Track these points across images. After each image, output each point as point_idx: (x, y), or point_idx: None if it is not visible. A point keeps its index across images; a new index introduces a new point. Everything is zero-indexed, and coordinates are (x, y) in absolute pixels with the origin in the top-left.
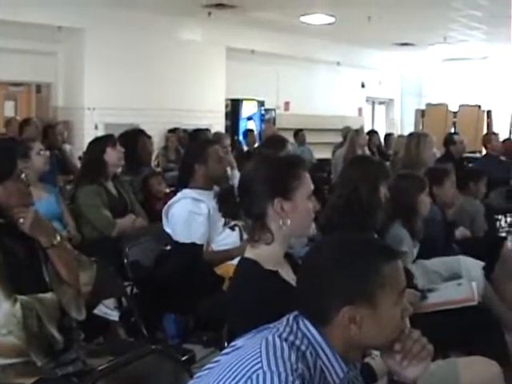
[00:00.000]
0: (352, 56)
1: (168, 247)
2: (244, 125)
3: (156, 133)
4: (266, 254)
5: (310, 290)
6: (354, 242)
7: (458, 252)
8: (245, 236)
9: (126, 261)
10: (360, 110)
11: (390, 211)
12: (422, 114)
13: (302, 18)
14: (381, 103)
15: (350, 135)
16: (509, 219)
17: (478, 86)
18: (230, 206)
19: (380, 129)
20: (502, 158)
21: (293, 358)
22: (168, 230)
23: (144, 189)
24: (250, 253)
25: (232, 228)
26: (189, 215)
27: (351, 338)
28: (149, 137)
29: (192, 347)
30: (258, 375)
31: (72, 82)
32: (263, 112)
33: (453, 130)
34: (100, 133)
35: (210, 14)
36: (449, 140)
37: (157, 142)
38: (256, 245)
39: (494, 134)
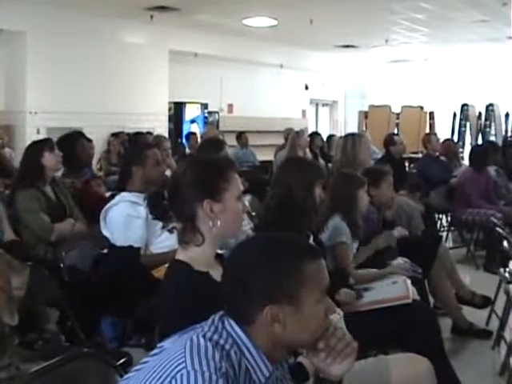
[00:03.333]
0: (295, 58)
1: (105, 251)
2: (187, 127)
3: (99, 136)
4: (197, 256)
5: (233, 289)
6: (276, 242)
7: (396, 250)
8: None
9: (62, 265)
10: (304, 111)
11: (330, 205)
12: (365, 115)
13: (245, 21)
14: (324, 105)
15: (291, 137)
16: (449, 218)
17: (420, 87)
18: (160, 208)
19: (324, 130)
20: (442, 158)
21: (217, 357)
22: (106, 233)
23: (84, 191)
24: (180, 255)
25: (170, 231)
26: (126, 218)
27: (275, 336)
28: (89, 140)
29: (130, 350)
30: (181, 375)
31: (14, 85)
32: (206, 115)
33: (396, 131)
34: (42, 137)
35: (152, 17)
36: (389, 141)
37: (100, 146)
38: (187, 247)
39: (434, 134)
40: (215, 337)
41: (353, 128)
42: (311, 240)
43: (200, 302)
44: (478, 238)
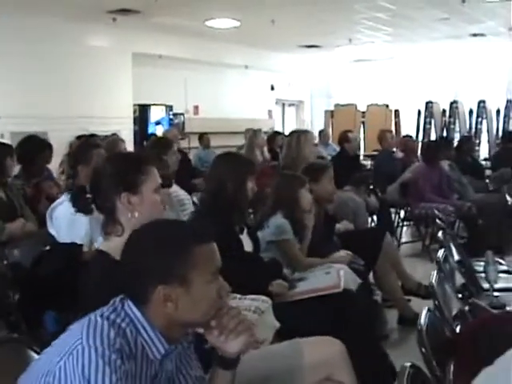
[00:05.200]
0: (260, 59)
1: (47, 248)
2: (153, 129)
3: (64, 140)
4: (118, 246)
5: (128, 272)
6: (168, 227)
7: (338, 244)
8: None
9: (6, 262)
10: (270, 112)
11: (273, 204)
12: (331, 114)
13: (207, 23)
14: (291, 105)
15: (249, 136)
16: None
17: (385, 85)
18: (83, 201)
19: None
20: (400, 154)
21: (112, 334)
22: (52, 231)
23: (35, 193)
24: (102, 245)
25: None
26: (70, 217)
27: (169, 315)
28: (49, 145)
29: None
30: (77, 350)
31: None
32: (172, 116)
33: (362, 130)
34: (6, 142)
35: (114, 19)
36: (343, 138)
37: (64, 150)
38: (108, 237)
39: (389, 131)
40: (112, 316)
41: (319, 127)
42: (245, 233)
43: (114, 288)
44: (433, 232)
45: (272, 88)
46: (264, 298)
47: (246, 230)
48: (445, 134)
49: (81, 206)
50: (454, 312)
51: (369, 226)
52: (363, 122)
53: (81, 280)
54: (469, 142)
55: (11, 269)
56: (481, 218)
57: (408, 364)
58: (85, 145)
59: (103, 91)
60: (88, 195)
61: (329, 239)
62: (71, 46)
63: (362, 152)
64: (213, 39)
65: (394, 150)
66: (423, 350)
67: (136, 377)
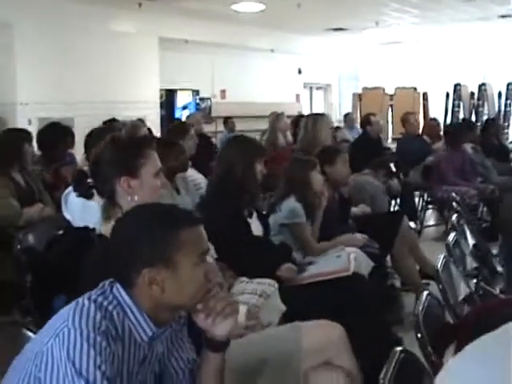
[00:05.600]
0: (286, 43)
1: (60, 232)
2: (179, 114)
3: (90, 126)
4: None
5: (116, 256)
6: (154, 211)
7: (353, 227)
8: None
9: (19, 246)
10: (297, 96)
11: (285, 187)
12: (359, 97)
13: (233, 6)
14: (318, 88)
15: (271, 120)
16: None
17: (413, 68)
18: (84, 186)
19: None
20: (425, 137)
21: (98, 316)
22: (67, 216)
23: (54, 178)
24: (102, 229)
25: None
26: (84, 202)
27: (155, 298)
28: (71, 132)
29: None
30: (63, 332)
31: (3, 77)
32: (198, 101)
33: (390, 113)
34: (33, 128)
35: (140, 4)
36: (365, 121)
37: None
38: (108, 221)
39: (413, 114)
40: (100, 299)
41: (347, 110)
42: (255, 217)
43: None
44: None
45: (299, 71)
46: (270, 281)
47: (255, 214)
48: (473, 116)
49: (82, 190)
50: (462, 296)
51: (391, 209)
52: (391, 105)
53: (82, 263)
54: (494, 124)
55: (24, 253)
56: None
57: (398, 349)
58: (98, 130)
59: (130, 76)
60: (89, 180)
61: (343, 222)
62: (98, 31)
63: (389, 135)
64: (238, 23)
65: (420, 132)
66: (418, 335)
67: (124, 359)
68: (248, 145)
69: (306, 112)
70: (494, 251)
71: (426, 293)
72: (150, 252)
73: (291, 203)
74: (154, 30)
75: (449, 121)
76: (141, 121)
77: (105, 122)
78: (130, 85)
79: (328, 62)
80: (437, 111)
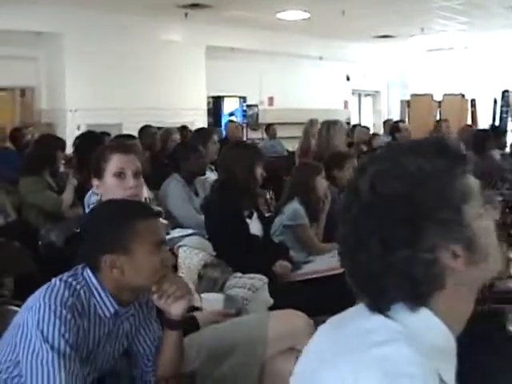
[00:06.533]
0: (334, 50)
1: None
2: (226, 120)
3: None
4: None
5: (85, 243)
6: (116, 206)
7: None
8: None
9: (40, 242)
10: (346, 102)
11: (289, 191)
12: (407, 104)
13: (278, 15)
14: (367, 95)
15: (305, 126)
16: None
17: (460, 75)
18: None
19: (367, 120)
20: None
21: (66, 294)
22: None
23: (84, 182)
24: None
25: None
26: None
27: (117, 280)
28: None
29: None
30: (35, 306)
31: (54, 85)
32: (245, 108)
33: (438, 119)
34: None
35: (186, 14)
36: (394, 127)
37: None
38: None
39: (445, 120)
40: (70, 279)
41: (396, 117)
42: (255, 217)
43: None
44: None
45: (347, 78)
46: (260, 276)
47: (256, 214)
48: None
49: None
50: None
51: None
52: (439, 112)
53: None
54: None
55: (44, 248)
56: None
57: None
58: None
59: (177, 84)
60: None
61: None
62: (145, 40)
63: None
64: (285, 31)
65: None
66: None
67: (90, 331)
68: (246, 150)
69: (354, 119)
70: None
71: None
72: (110, 240)
73: (294, 206)
74: (201, 38)
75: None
76: (184, 128)
77: (141, 129)
78: (178, 92)
79: (376, 68)
80: (484, 118)
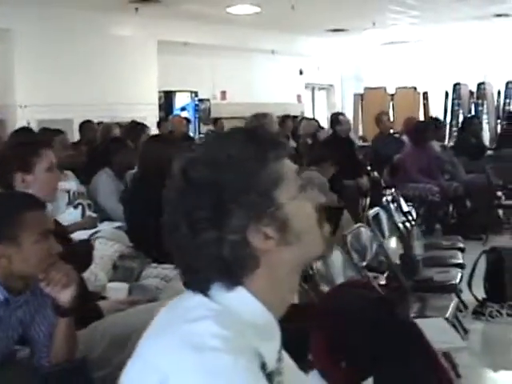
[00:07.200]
0: (286, 44)
1: None
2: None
3: None
4: None
5: None
6: (3, 197)
7: None
8: (87, 213)
9: None
10: (299, 96)
11: None
12: (360, 97)
13: (229, 9)
14: (321, 89)
15: (246, 122)
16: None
17: (413, 68)
18: None
19: (322, 114)
20: (397, 135)
21: None
22: None
23: None
24: None
25: (75, 206)
26: None
27: (6, 269)
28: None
29: None
30: None
31: (3, 80)
32: (197, 102)
33: (391, 112)
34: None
35: (136, 9)
36: (334, 120)
37: None
38: None
39: (386, 113)
40: None
41: (350, 110)
42: None
43: None
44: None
45: (301, 72)
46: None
47: None
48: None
49: None
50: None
51: (361, 207)
52: (392, 105)
53: None
54: (472, 123)
55: None
56: (469, 199)
57: None
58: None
59: (128, 79)
60: None
61: None
62: (96, 36)
63: None
64: (236, 25)
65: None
66: None
67: None
68: (163, 144)
69: (308, 112)
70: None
71: None
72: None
73: None
74: (152, 33)
75: (448, 120)
76: (135, 122)
77: (81, 124)
78: (129, 87)
79: (330, 62)
80: (437, 110)
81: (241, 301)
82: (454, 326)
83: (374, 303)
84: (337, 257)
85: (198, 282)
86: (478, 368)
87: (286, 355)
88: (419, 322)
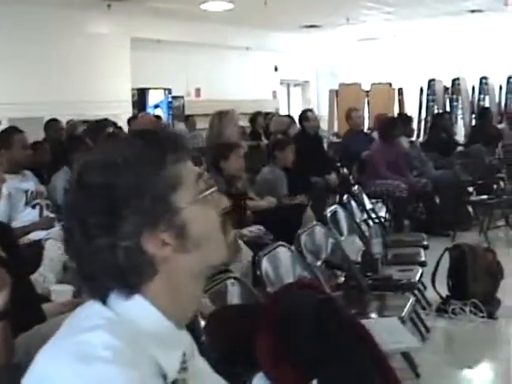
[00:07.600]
0: (261, 40)
1: None
2: (152, 113)
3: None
4: None
5: None
6: None
7: (250, 220)
8: (45, 213)
9: None
10: (274, 92)
11: None
12: (335, 93)
13: (202, 6)
14: (296, 85)
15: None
16: None
17: (388, 64)
18: None
19: (297, 110)
20: (368, 131)
21: None
22: None
23: None
24: None
25: (33, 206)
26: None
27: None
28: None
29: None
30: None
31: None
32: (170, 99)
33: (366, 109)
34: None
35: (109, 6)
36: (302, 117)
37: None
38: None
39: (355, 109)
40: None
41: (325, 107)
42: None
43: None
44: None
45: (276, 69)
46: None
47: None
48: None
49: None
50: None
51: (328, 203)
52: (367, 101)
53: None
54: (443, 118)
55: None
56: (438, 196)
57: None
58: (6, 131)
59: (101, 76)
60: None
61: (239, 216)
62: (69, 33)
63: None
64: (210, 22)
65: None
66: None
67: None
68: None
69: (283, 108)
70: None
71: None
72: None
73: None
74: (125, 30)
75: (423, 116)
76: (105, 120)
77: (47, 123)
78: (102, 85)
79: (305, 58)
80: (412, 106)
81: (138, 309)
82: (414, 324)
83: (318, 303)
84: (285, 256)
85: (96, 290)
86: (440, 366)
87: (201, 361)
88: (374, 321)
